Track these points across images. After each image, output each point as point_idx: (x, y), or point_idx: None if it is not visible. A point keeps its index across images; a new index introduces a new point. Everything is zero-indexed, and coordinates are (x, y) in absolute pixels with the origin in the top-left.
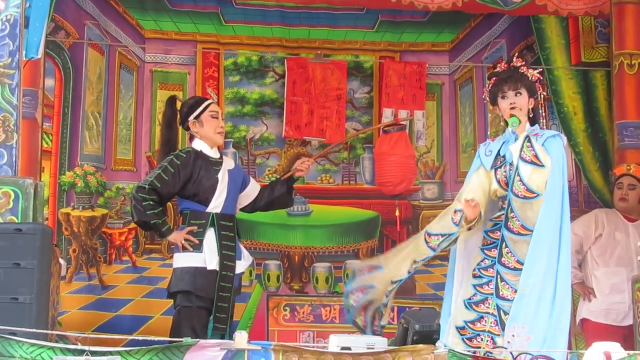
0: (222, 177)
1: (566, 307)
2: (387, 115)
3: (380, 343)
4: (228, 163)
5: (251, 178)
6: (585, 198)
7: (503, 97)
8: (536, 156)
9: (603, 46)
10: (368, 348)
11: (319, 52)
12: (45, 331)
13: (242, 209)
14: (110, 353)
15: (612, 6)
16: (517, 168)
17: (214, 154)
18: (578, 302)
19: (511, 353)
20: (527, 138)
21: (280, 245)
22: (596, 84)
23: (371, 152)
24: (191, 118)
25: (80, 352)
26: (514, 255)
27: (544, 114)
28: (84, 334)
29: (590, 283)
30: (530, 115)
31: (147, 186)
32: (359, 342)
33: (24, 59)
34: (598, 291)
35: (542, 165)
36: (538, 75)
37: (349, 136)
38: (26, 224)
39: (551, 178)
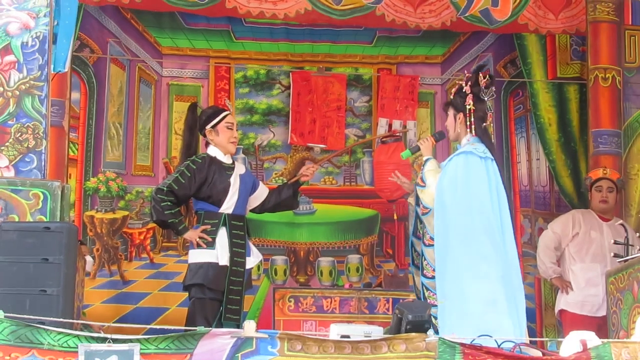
0: (234, 181)
1: (502, 307)
2: (382, 124)
3: (376, 332)
4: (240, 168)
5: (260, 182)
6: (556, 202)
7: None
8: (421, 178)
9: (577, 63)
10: (365, 336)
11: (321, 66)
12: (71, 320)
13: (251, 210)
14: (131, 341)
15: (587, 25)
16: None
17: (227, 159)
18: (557, 295)
19: (495, 341)
20: (425, 162)
21: (287, 242)
22: (570, 97)
23: (370, 155)
24: (208, 127)
25: (103, 340)
26: (431, 266)
27: (472, 120)
28: (107, 324)
29: (567, 277)
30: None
31: (165, 188)
32: (357, 331)
33: (52, 72)
34: (575, 284)
35: (424, 186)
36: (467, 89)
37: (350, 145)
38: (54, 222)
39: (437, 194)
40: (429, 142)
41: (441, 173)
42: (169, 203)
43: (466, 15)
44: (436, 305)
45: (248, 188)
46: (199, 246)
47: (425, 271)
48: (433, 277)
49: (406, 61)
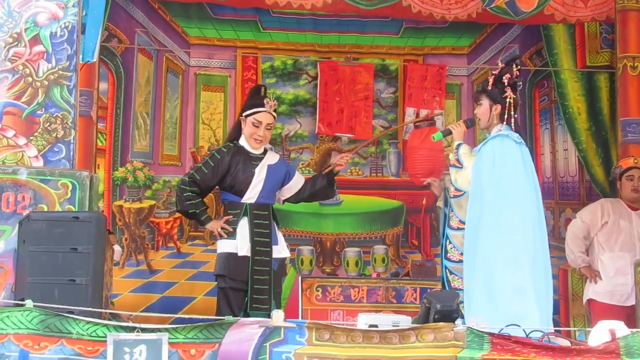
0: (259, 172)
1: (529, 294)
2: (410, 114)
3: (404, 321)
4: (270, 158)
5: (296, 172)
6: (587, 191)
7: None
8: (457, 160)
9: (607, 51)
10: (394, 325)
11: (348, 55)
12: (99, 310)
13: (287, 200)
14: (159, 330)
15: (616, 13)
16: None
17: (256, 150)
18: (585, 284)
19: (524, 330)
20: (457, 146)
21: (313, 232)
22: (600, 86)
23: (396, 147)
24: (243, 114)
25: (132, 329)
26: (457, 249)
27: (512, 113)
28: (135, 313)
29: (596, 266)
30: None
31: (187, 179)
32: (385, 320)
33: (81, 62)
34: (604, 274)
35: (461, 167)
36: (507, 78)
37: (381, 133)
38: (82, 212)
39: (474, 175)
40: (462, 127)
41: (477, 156)
42: (190, 193)
43: (491, 6)
44: (461, 289)
45: (278, 178)
46: (221, 236)
47: (449, 254)
48: (459, 261)
49: (433, 52)
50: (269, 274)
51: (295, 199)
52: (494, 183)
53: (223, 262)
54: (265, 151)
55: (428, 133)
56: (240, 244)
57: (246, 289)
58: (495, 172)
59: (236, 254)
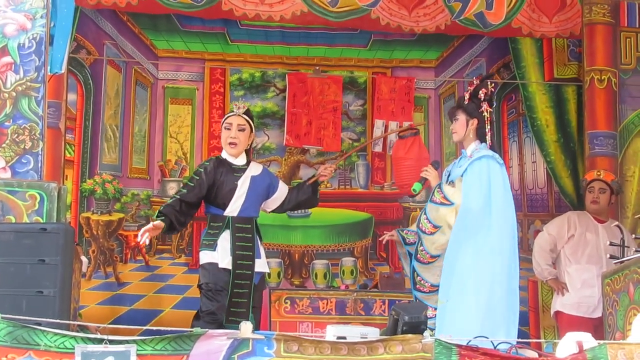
0: (242, 184)
1: (498, 315)
2: (379, 126)
3: (372, 333)
4: (254, 169)
5: (280, 182)
6: (556, 203)
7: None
8: (445, 197)
9: (574, 64)
10: (362, 337)
11: (317, 67)
12: (67, 322)
13: (272, 211)
14: (127, 342)
15: (583, 26)
16: (425, 208)
17: (238, 161)
18: (552, 296)
19: (492, 342)
20: (439, 185)
21: (282, 245)
22: (568, 98)
23: (365, 159)
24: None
25: (100, 341)
26: (426, 281)
27: (489, 128)
28: (103, 325)
29: (563, 278)
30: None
31: (175, 194)
32: (354, 332)
33: (49, 73)
34: (571, 286)
35: (450, 204)
36: (483, 93)
37: (364, 143)
38: (50, 223)
39: (463, 205)
40: (432, 171)
41: (464, 178)
42: (167, 205)
43: (461, 18)
44: (433, 317)
45: (261, 190)
46: (203, 247)
47: (419, 286)
48: (429, 292)
49: (401, 65)
50: (249, 288)
51: (281, 209)
52: (479, 207)
53: (205, 273)
54: (249, 162)
55: (412, 143)
56: (221, 256)
57: (228, 289)
58: (481, 196)
59: (216, 264)
